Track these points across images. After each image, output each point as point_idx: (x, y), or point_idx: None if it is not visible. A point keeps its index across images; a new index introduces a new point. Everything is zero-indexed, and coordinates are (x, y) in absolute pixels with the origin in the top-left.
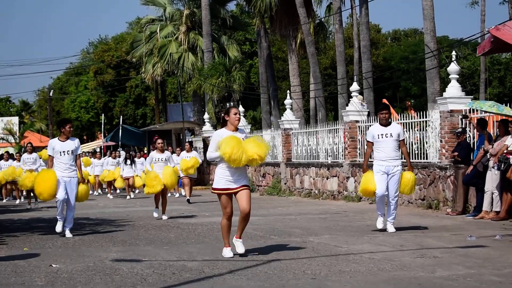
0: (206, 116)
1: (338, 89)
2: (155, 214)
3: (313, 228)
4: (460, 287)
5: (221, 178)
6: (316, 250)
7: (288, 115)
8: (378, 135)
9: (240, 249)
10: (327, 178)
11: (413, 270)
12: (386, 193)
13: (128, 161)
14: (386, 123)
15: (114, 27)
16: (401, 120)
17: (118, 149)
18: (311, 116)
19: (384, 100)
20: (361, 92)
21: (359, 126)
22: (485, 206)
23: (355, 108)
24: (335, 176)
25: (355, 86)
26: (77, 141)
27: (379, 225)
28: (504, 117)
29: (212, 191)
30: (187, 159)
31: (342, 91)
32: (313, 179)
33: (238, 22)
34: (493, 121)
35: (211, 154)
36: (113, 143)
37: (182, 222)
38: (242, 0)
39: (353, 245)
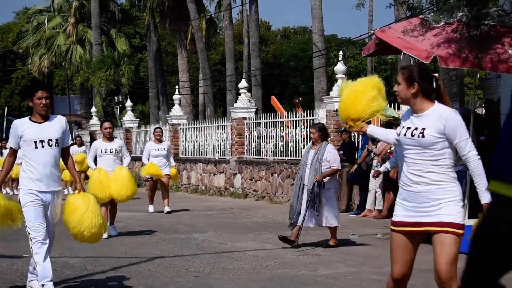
0: (93, 109)
1: (227, 85)
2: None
3: (198, 225)
4: (341, 285)
5: (398, 204)
6: (200, 247)
7: (176, 110)
8: None
9: None
10: (214, 174)
11: (295, 268)
12: None
13: None
14: None
15: (0, 17)
16: (289, 118)
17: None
18: (199, 111)
19: (273, 98)
20: (249, 89)
21: (246, 123)
22: (368, 204)
23: (243, 105)
24: (222, 172)
25: (243, 83)
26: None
27: None
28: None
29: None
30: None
31: (231, 87)
32: (200, 175)
33: (128, 16)
34: (378, 121)
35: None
36: None
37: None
38: None
39: (238, 242)
